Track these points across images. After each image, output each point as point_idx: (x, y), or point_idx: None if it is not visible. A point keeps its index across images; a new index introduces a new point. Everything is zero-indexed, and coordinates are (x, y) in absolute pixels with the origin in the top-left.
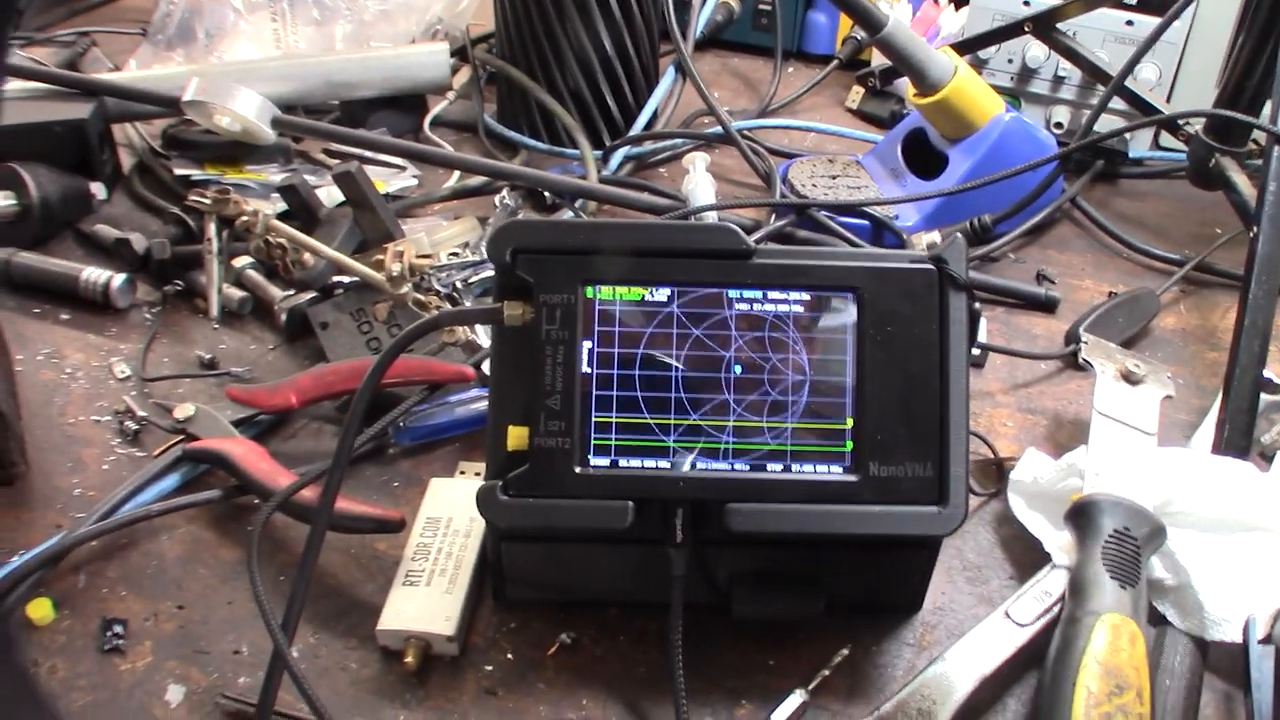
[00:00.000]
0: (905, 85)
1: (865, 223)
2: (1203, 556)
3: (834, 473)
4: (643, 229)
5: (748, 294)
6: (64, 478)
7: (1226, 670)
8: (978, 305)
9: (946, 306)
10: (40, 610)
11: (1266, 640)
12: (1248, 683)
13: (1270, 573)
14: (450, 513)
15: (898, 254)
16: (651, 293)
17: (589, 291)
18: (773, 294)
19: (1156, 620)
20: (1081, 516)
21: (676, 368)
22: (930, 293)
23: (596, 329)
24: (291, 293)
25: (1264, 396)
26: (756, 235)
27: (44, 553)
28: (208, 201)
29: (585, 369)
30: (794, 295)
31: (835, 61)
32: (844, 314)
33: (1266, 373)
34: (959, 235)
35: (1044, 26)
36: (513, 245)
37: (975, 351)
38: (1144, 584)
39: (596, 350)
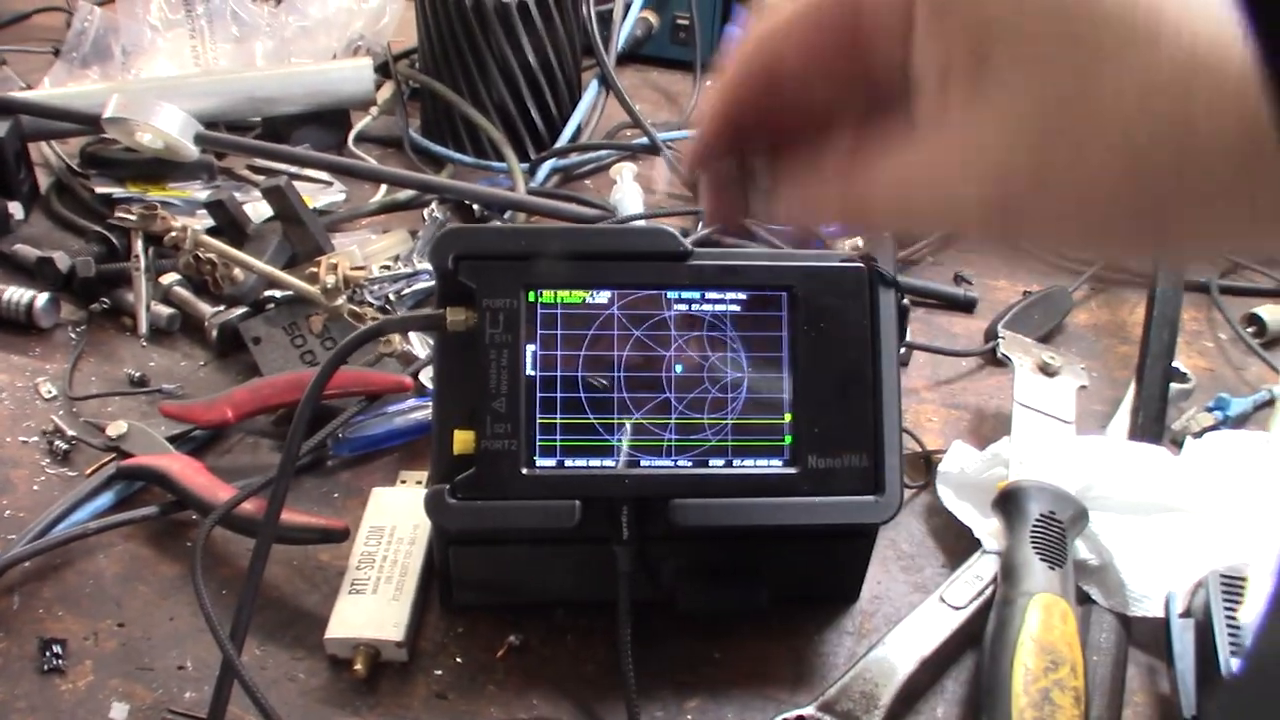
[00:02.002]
0: None
1: (789, 227)
2: (1123, 537)
3: (774, 466)
4: (582, 233)
5: (686, 295)
6: None
7: (1149, 644)
8: (906, 301)
9: (877, 303)
10: None
11: (1186, 614)
12: (1170, 654)
13: (1186, 550)
14: (394, 521)
15: (829, 254)
16: (592, 295)
17: (531, 296)
18: (710, 294)
19: (1082, 600)
20: (1009, 503)
21: (618, 369)
22: (861, 290)
23: (539, 332)
24: (222, 308)
25: (1173, 386)
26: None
27: None
28: (134, 218)
29: (529, 372)
30: (730, 295)
31: None
32: (779, 312)
33: (1175, 363)
34: (887, 235)
35: None
36: (455, 251)
37: (901, 350)
38: (1070, 564)
39: (540, 353)
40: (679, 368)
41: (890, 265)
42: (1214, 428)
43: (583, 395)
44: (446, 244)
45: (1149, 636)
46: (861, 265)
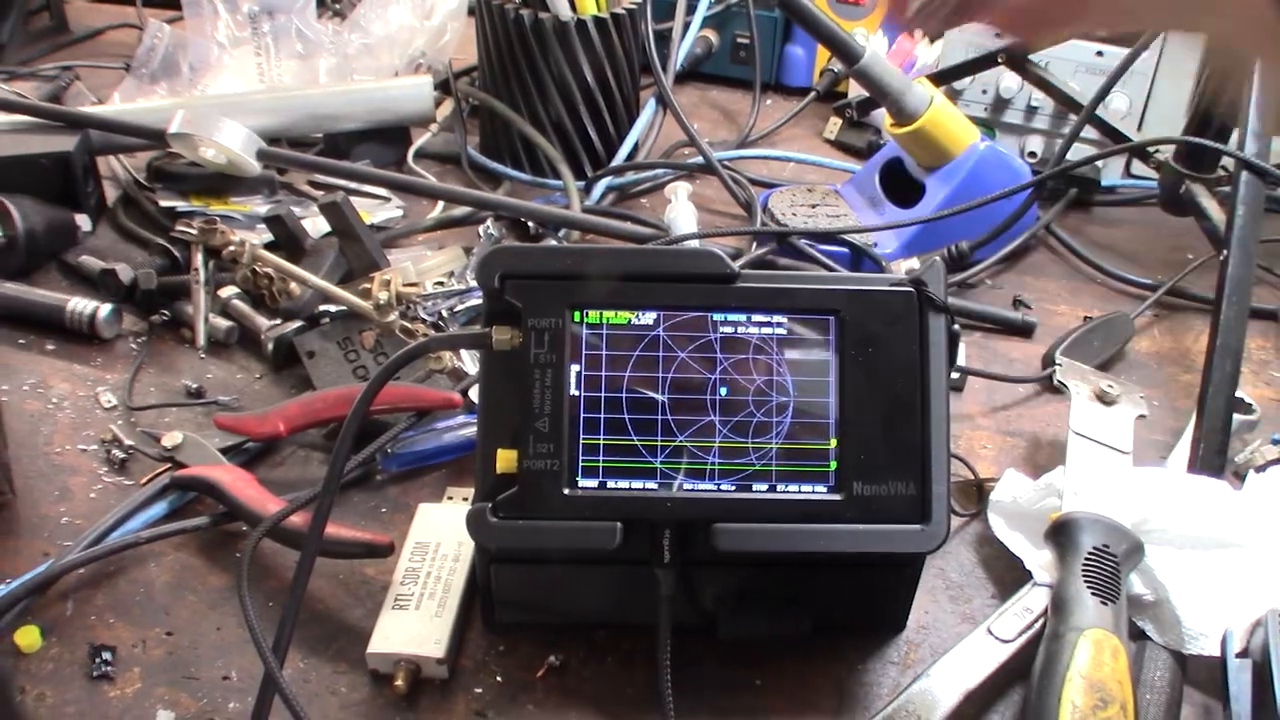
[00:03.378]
0: (882, 116)
1: (845, 250)
2: (1180, 572)
3: (818, 492)
4: (628, 254)
5: (732, 317)
6: (51, 506)
7: (1205, 683)
8: (957, 327)
9: (926, 328)
10: (28, 638)
11: (1243, 654)
12: (1226, 695)
13: (1245, 587)
14: (438, 537)
15: (878, 277)
16: (638, 316)
17: (576, 316)
18: (756, 317)
19: (1136, 635)
20: (1061, 535)
21: (662, 391)
22: (910, 315)
23: (584, 353)
24: (278, 322)
25: (1237, 417)
26: (739, 263)
27: (31, 580)
28: (194, 232)
29: (573, 392)
30: (777, 318)
31: (813, 93)
32: (826, 336)
33: (1239, 393)
34: (937, 259)
35: (1017, 58)
36: (501, 270)
37: (954, 375)
38: (1124, 600)
39: (584, 373)
40: (724, 390)
41: (941, 290)
42: (1278, 461)
43: (627, 416)
44: (493, 263)
45: (1205, 675)
46: (911, 289)
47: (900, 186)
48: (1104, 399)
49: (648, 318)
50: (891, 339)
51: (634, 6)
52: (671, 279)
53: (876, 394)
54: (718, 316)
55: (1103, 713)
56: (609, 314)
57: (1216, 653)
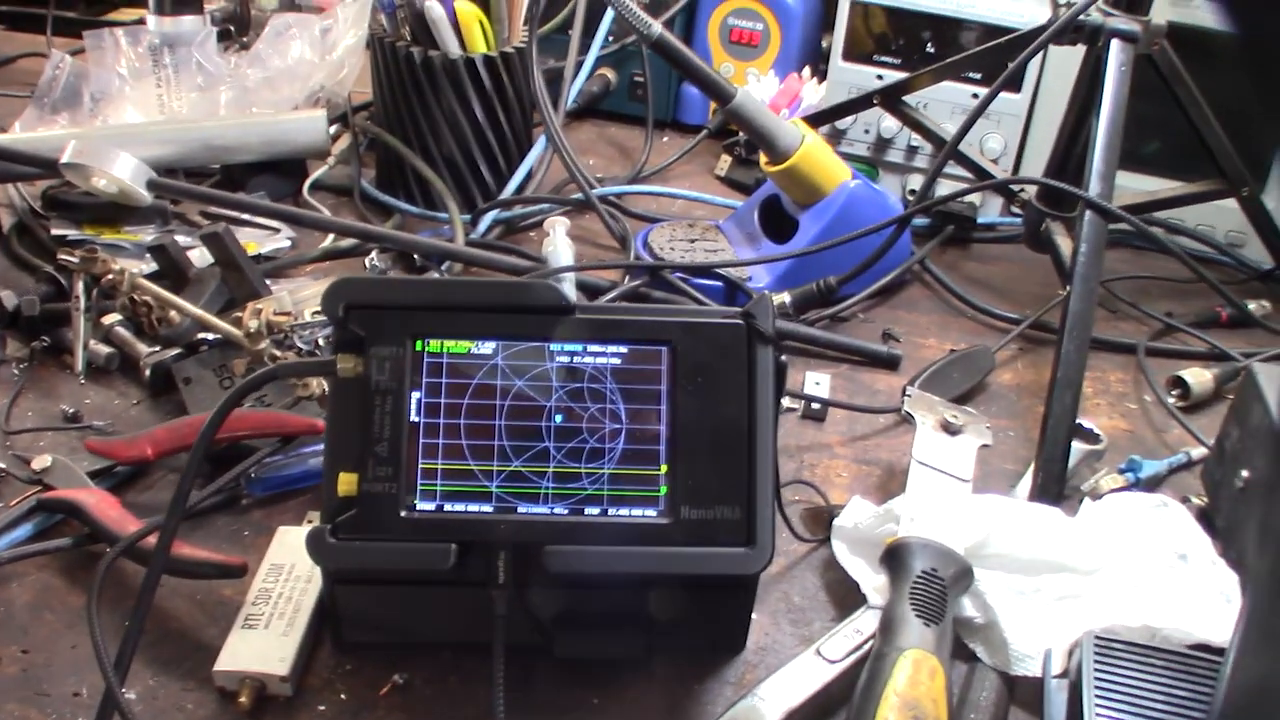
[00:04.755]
0: None
1: (719, 284)
2: (1009, 596)
3: (648, 516)
4: (469, 286)
5: (568, 347)
6: None
7: (1031, 704)
8: (784, 358)
9: (754, 359)
10: None
11: (1062, 674)
12: (1045, 715)
13: (1069, 610)
14: (294, 559)
15: (710, 310)
16: (477, 346)
17: (418, 344)
18: (592, 347)
19: (967, 658)
20: (893, 558)
21: (500, 418)
22: (739, 346)
23: (425, 380)
24: (157, 349)
25: (1082, 446)
26: (610, 295)
27: None
28: (76, 260)
29: (413, 418)
30: (612, 348)
31: (705, 131)
32: (659, 366)
33: (1086, 423)
34: (766, 293)
35: (891, 100)
36: (345, 300)
37: (815, 405)
38: (949, 621)
39: (424, 400)
40: (559, 418)
41: (768, 322)
42: (1124, 489)
43: (464, 442)
44: (338, 293)
45: (1032, 696)
46: (740, 321)
47: (779, 223)
48: (948, 429)
49: (487, 347)
50: (721, 369)
51: (523, 45)
52: (510, 310)
53: (706, 421)
54: (554, 346)
55: None
56: (449, 343)
57: (1040, 673)
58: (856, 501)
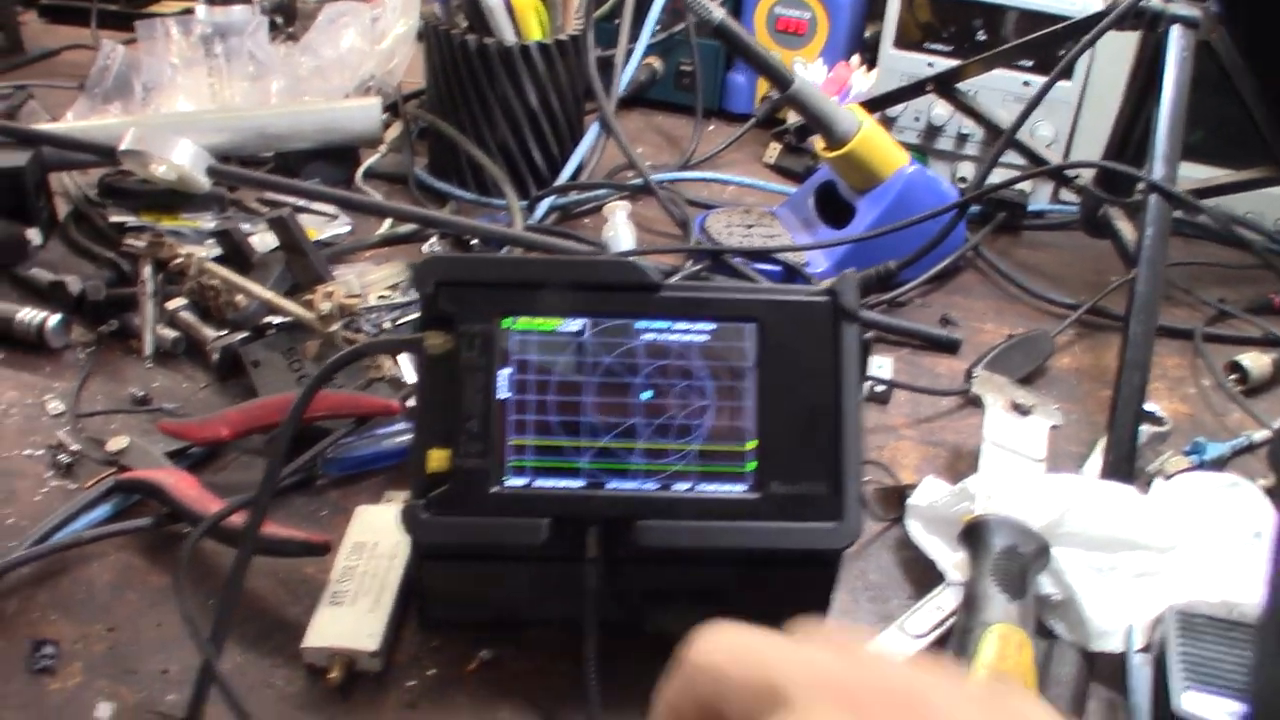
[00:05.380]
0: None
1: (778, 269)
2: (1087, 573)
3: (737, 491)
4: (557, 265)
5: (655, 324)
6: None
7: (1110, 679)
8: (869, 335)
9: (840, 336)
10: None
11: (1144, 650)
12: (1128, 689)
13: (1148, 586)
14: (376, 537)
15: (795, 288)
16: (565, 323)
17: (506, 322)
18: (679, 324)
19: (1045, 634)
20: (973, 536)
21: (588, 394)
22: (825, 323)
23: (513, 357)
24: (224, 332)
25: (1148, 428)
26: (673, 280)
27: None
28: (143, 245)
29: (503, 395)
30: (698, 325)
31: (753, 119)
32: (745, 342)
33: (1149, 406)
34: (851, 270)
35: (945, 87)
36: (437, 277)
37: (880, 388)
38: (1031, 597)
39: (514, 377)
40: (647, 394)
41: (853, 300)
42: (1189, 470)
43: (553, 418)
44: (430, 270)
45: (1110, 671)
46: (827, 299)
47: (834, 209)
48: (1019, 409)
49: (574, 325)
50: (808, 346)
51: (577, 33)
52: (598, 288)
53: (793, 398)
54: (641, 324)
55: None
56: (537, 321)
57: (1120, 649)
58: (929, 481)
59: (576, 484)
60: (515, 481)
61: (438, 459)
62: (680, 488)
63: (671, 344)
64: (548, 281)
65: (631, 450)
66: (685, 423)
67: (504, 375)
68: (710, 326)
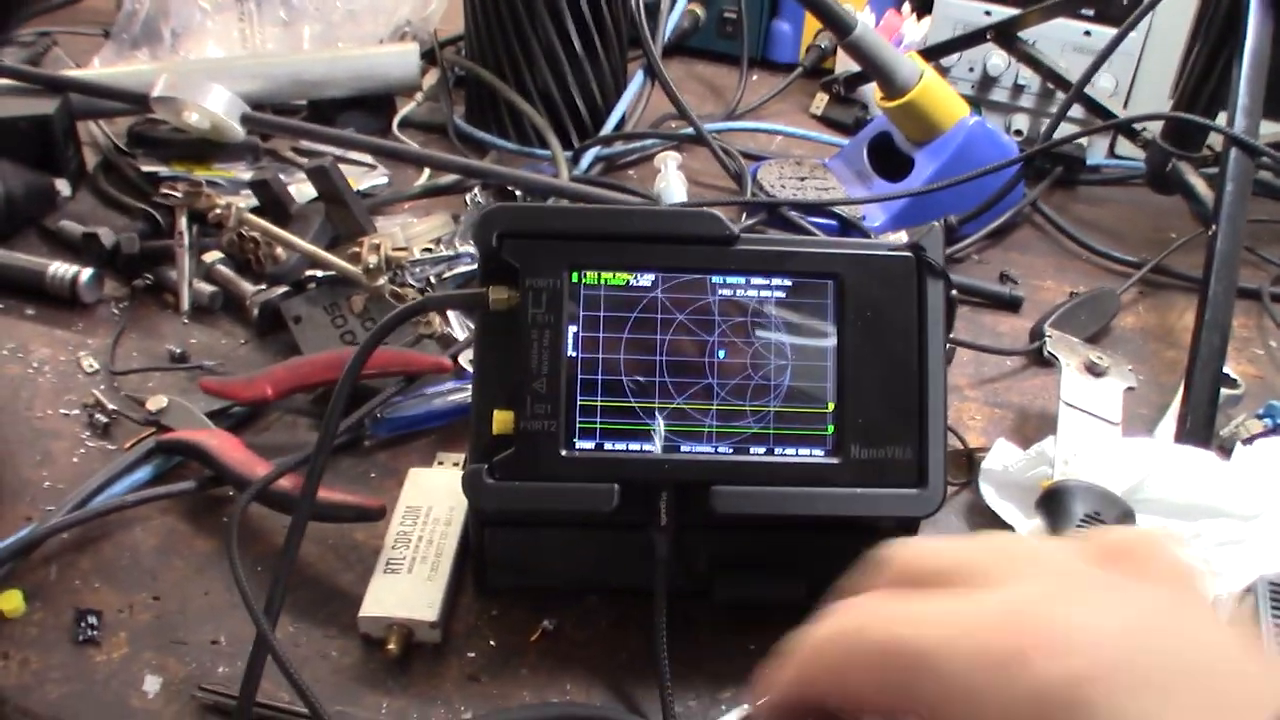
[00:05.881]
0: (870, 91)
1: (834, 223)
2: None
3: (816, 455)
4: (628, 215)
5: (731, 280)
6: (33, 471)
7: None
8: (955, 293)
9: (924, 293)
10: (10, 603)
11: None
12: None
13: (1235, 555)
14: (430, 502)
15: (876, 242)
16: (636, 278)
17: (574, 276)
18: (755, 280)
19: None
20: (1053, 502)
21: (660, 353)
22: (909, 280)
23: (581, 313)
24: (263, 287)
25: (1223, 391)
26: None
27: (13, 544)
28: (179, 195)
29: (571, 353)
30: (776, 281)
31: (800, 69)
32: (825, 300)
33: (1224, 369)
34: (936, 225)
35: (1006, 35)
36: (499, 229)
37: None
38: None
39: (581, 334)
40: (722, 353)
41: (939, 255)
42: (1264, 435)
43: (624, 378)
44: (491, 221)
45: None
46: (910, 254)
47: (888, 161)
48: (1093, 370)
49: (646, 279)
50: (890, 303)
51: None
52: (670, 240)
53: (874, 358)
54: (716, 279)
55: None
56: (607, 275)
57: None
58: (1001, 444)
59: (648, 447)
60: (584, 445)
61: (502, 421)
62: (756, 451)
63: (748, 300)
64: (620, 233)
65: (706, 412)
66: (762, 383)
67: (572, 332)
68: (788, 282)
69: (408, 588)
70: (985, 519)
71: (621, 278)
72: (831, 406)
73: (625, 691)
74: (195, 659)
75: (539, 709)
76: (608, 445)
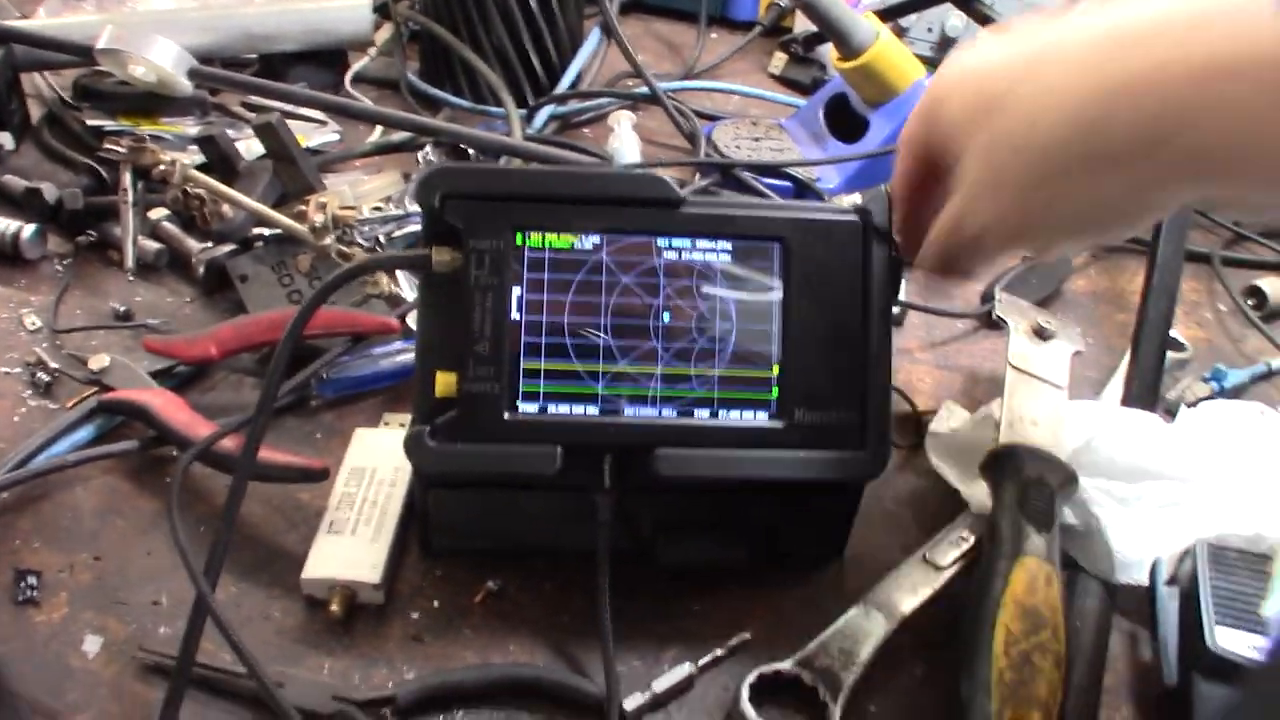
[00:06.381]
0: (828, 51)
1: (788, 184)
2: (1111, 504)
3: (760, 419)
4: (573, 177)
5: (676, 242)
6: None
7: (1133, 611)
8: (898, 255)
9: (870, 257)
10: None
11: (1171, 582)
12: (1154, 622)
13: (1175, 518)
14: (375, 463)
15: (823, 206)
16: (581, 240)
17: (519, 238)
18: (701, 243)
19: (1068, 565)
20: (998, 465)
21: (605, 316)
22: (854, 243)
23: (526, 275)
24: (209, 245)
25: (1170, 355)
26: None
27: None
28: (123, 150)
29: (514, 316)
30: (722, 244)
31: (758, 28)
32: (770, 263)
33: (1172, 332)
34: (882, 187)
35: None
36: (442, 190)
37: (895, 310)
38: (1057, 529)
39: (525, 297)
40: (667, 316)
41: (885, 219)
42: (1209, 398)
43: (568, 341)
44: (434, 182)
45: (1133, 604)
46: (856, 218)
47: (845, 122)
48: (1041, 334)
49: (591, 241)
50: (835, 267)
51: None
52: (616, 202)
53: (819, 322)
54: (662, 242)
55: (1034, 637)
56: (551, 237)
57: (1146, 581)
58: (948, 406)
59: (592, 410)
60: (527, 407)
61: (445, 383)
62: (701, 415)
63: (693, 264)
64: (565, 195)
65: (651, 375)
66: (706, 346)
67: (516, 294)
68: (733, 246)
69: (351, 549)
70: (931, 481)
71: (566, 240)
72: (776, 370)
73: (569, 652)
74: (136, 620)
75: (482, 670)
76: (551, 408)
